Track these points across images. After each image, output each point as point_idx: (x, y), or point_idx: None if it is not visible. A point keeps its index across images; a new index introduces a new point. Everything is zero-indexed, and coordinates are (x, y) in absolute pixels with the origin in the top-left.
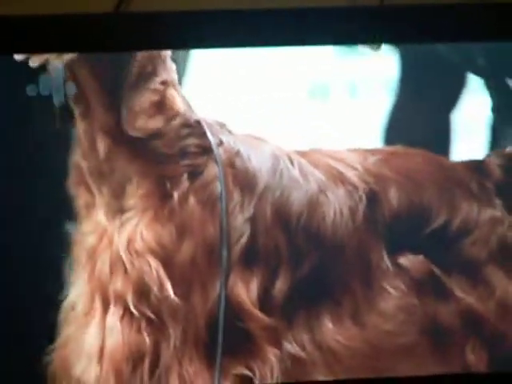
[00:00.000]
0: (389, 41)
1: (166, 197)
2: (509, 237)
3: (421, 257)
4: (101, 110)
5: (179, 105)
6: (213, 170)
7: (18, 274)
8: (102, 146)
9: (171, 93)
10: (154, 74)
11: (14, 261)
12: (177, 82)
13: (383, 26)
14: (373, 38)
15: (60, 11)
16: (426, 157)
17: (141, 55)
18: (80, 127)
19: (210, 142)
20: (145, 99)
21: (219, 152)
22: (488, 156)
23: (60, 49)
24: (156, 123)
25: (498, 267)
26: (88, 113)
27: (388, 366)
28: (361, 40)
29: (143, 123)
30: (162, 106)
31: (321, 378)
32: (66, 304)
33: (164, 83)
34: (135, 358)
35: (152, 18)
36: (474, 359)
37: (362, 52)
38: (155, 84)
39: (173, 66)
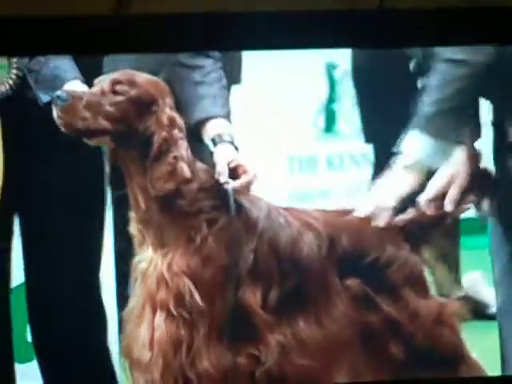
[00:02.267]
0: (388, 45)
1: (190, 240)
2: (417, 266)
3: (359, 280)
4: (137, 177)
5: (186, 173)
6: (223, 220)
7: (98, 293)
8: (141, 202)
9: (180, 165)
10: (168, 151)
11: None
12: (185, 156)
13: (383, 29)
14: (373, 42)
15: (60, 13)
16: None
17: (160, 137)
18: (128, 189)
19: (221, 202)
20: (161, 169)
21: (232, 206)
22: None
23: (58, 51)
24: (170, 186)
25: (410, 288)
26: (130, 180)
27: (337, 353)
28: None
29: (160, 186)
30: (173, 174)
31: (295, 358)
32: (127, 310)
33: (175, 158)
34: (175, 345)
35: (151, 20)
36: (395, 351)
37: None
38: (169, 158)
39: (183, 144)
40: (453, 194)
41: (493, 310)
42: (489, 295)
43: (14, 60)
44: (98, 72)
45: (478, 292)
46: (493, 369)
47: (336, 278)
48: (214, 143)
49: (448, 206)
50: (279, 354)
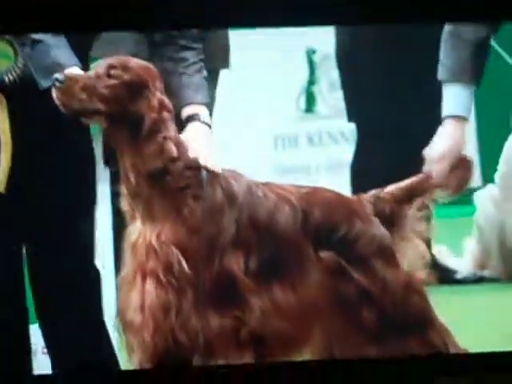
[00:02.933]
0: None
1: (178, 213)
2: (385, 239)
3: (332, 252)
4: (128, 155)
5: (174, 152)
6: (207, 195)
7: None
8: (132, 178)
9: (169, 144)
10: (157, 131)
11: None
12: (173, 136)
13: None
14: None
15: None
16: (334, 192)
17: (150, 119)
18: (120, 166)
19: (204, 179)
20: (151, 147)
21: (213, 183)
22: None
23: (58, 28)
24: (158, 163)
25: (379, 259)
26: (122, 157)
27: (311, 318)
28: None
29: (150, 163)
30: (162, 152)
31: (272, 321)
32: (120, 278)
33: (164, 138)
34: (165, 310)
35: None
36: (367, 316)
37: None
38: (158, 138)
39: (172, 125)
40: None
41: (458, 276)
42: (454, 263)
43: (20, 49)
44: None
45: (444, 260)
46: (459, 331)
47: (310, 249)
48: (188, 120)
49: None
50: (260, 316)
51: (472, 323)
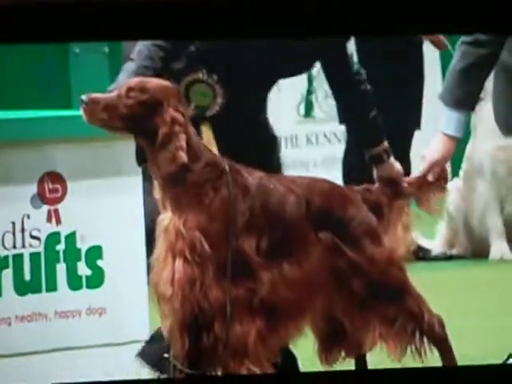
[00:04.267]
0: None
1: (200, 203)
2: (372, 223)
3: (329, 233)
4: (149, 160)
5: (184, 159)
6: (226, 188)
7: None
8: (157, 175)
9: (180, 153)
10: (169, 142)
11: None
12: (184, 146)
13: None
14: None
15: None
16: (330, 183)
17: (162, 132)
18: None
19: (223, 174)
20: (164, 155)
21: (229, 177)
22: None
23: (62, 38)
24: (170, 169)
25: (367, 239)
26: (147, 160)
27: (313, 288)
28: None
29: (163, 168)
30: (173, 160)
31: (281, 292)
32: (153, 257)
33: (176, 147)
34: (191, 283)
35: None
36: (357, 286)
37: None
38: (171, 148)
39: (183, 136)
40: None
41: (431, 254)
42: (428, 244)
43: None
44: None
45: (419, 242)
46: (433, 300)
47: (311, 231)
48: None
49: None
50: (270, 288)
51: (443, 293)
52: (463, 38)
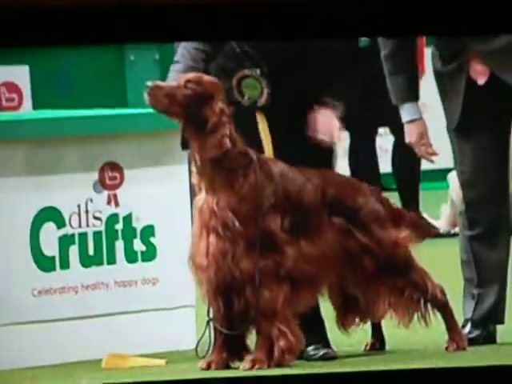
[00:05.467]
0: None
1: (231, 187)
2: (380, 210)
3: (342, 218)
4: (195, 145)
5: (228, 146)
6: (254, 174)
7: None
8: (198, 161)
9: (225, 140)
10: (217, 130)
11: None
12: (228, 134)
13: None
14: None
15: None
16: (342, 175)
17: (212, 120)
18: (190, 152)
19: (252, 162)
20: (212, 141)
21: (257, 165)
22: None
23: (62, 42)
24: (216, 153)
25: (375, 223)
26: (191, 146)
27: (328, 264)
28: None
29: (210, 152)
30: (219, 145)
31: (301, 265)
32: (192, 232)
33: (221, 135)
34: (223, 255)
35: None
36: (367, 263)
37: None
38: (218, 135)
39: (228, 126)
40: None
41: (437, 231)
42: (434, 223)
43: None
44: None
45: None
46: (439, 270)
47: (326, 215)
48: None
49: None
50: (292, 261)
51: (446, 265)
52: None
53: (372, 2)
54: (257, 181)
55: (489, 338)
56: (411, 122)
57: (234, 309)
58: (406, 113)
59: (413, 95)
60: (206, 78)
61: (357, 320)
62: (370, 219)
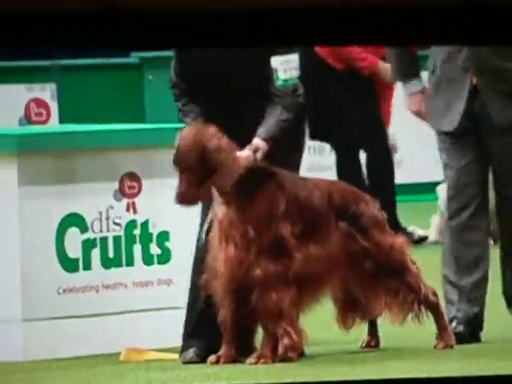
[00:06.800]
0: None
1: (248, 199)
2: (378, 216)
3: (346, 223)
4: (210, 186)
5: (241, 170)
6: (267, 186)
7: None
8: (216, 192)
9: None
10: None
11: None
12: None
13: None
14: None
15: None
16: (346, 184)
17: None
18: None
19: (265, 176)
20: (223, 178)
21: (270, 178)
22: None
23: (56, 44)
24: (230, 184)
25: (375, 228)
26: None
27: (334, 265)
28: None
29: (226, 186)
30: (231, 177)
31: (309, 267)
32: (210, 237)
33: (233, 168)
34: (241, 263)
35: (147, 16)
36: (367, 266)
37: None
38: (228, 170)
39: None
40: None
41: (428, 240)
42: (423, 232)
43: None
44: None
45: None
46: (430, 275)
47: (333, 219)
48: None
49: None
50: (301, 263)
51: (437, 270)
52: None
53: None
54: (271, 192)
55: (473, 335)
56: (414, 93)
57: (243, 311)
58: (407, 88)
59: (415, 73)
60: (185, 142)
61: (357, 319)
62: (370, 224)
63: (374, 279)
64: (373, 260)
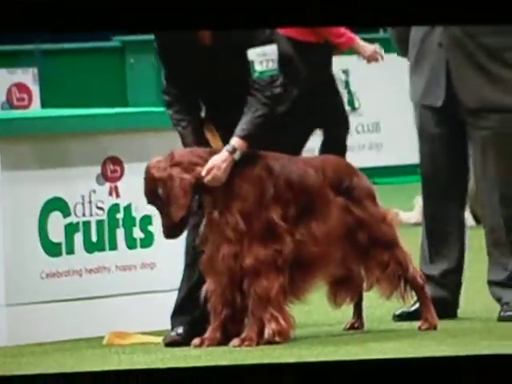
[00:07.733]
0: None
1: (236, 190)
2: (371, 189)
3: (341, 197)
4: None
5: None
6: (253, 173)
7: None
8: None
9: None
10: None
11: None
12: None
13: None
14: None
15: None
16: (338, 158)
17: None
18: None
19: (250, 163)
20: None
21: (256, 163)
22: None
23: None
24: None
25: (368, 202)
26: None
27: (334, 240)
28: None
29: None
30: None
31: (309, 247)
32: (201, 233)
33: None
34: (235, 256)
35: None
36: (361, 237)
37: None
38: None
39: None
40: None
41: (410, 221)
42: (407, 215)
43: None
44: None
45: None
46: (416, 257)
47: (330, 195)
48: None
49: None
50: (296, 247)
51: (418, 252)
52: None
53: None
54: (258, 178)
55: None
56: None
57: (237, 301)
58: None
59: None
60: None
61: (348, 297)
62: (364, 196)
63: (366, 252)
64: (367, 231)
